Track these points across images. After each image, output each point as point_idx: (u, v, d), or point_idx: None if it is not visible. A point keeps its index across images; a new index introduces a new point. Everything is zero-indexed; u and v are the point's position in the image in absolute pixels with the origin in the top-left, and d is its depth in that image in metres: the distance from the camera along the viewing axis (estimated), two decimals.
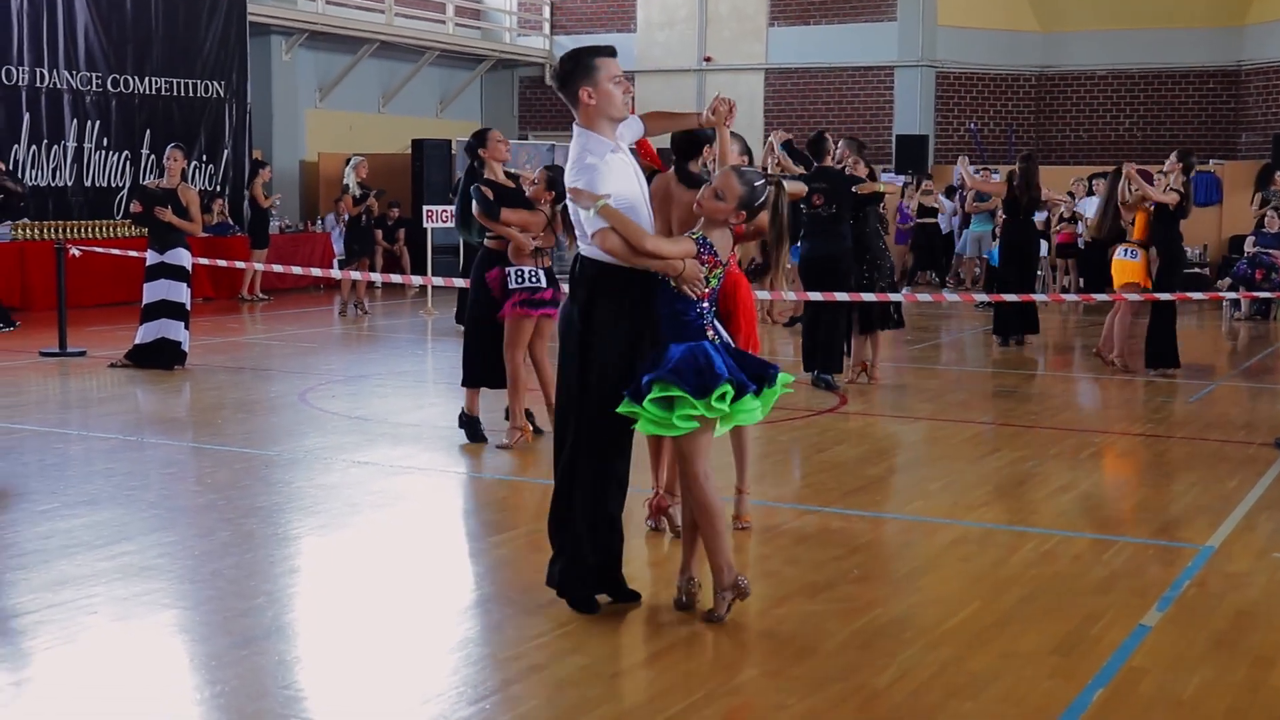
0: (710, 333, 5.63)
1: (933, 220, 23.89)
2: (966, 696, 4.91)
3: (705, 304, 5.61)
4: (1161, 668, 5.23)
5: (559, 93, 5.73)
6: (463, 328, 10.15)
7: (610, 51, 5.72)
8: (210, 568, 6.44)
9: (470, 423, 9.54)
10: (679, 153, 6.84)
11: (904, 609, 5.95)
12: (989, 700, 4.87)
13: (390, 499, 8.04)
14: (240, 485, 8.29)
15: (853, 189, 12.01)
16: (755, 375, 5.65)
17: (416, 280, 16.44)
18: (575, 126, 5.64)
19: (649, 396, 5.45)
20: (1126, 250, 13.46)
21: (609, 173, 5.50)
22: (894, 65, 27.30)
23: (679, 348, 5.55)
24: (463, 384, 9.62)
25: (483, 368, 9.47)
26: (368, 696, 4.87)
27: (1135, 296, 12.84)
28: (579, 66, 5.60)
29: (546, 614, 5.70)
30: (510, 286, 9.06)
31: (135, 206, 13.03)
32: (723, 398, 5.47)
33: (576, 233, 5.71)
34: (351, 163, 18.68)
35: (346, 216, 18.73)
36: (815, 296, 11.56)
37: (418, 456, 9.22)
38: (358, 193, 18.30)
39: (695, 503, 5.65)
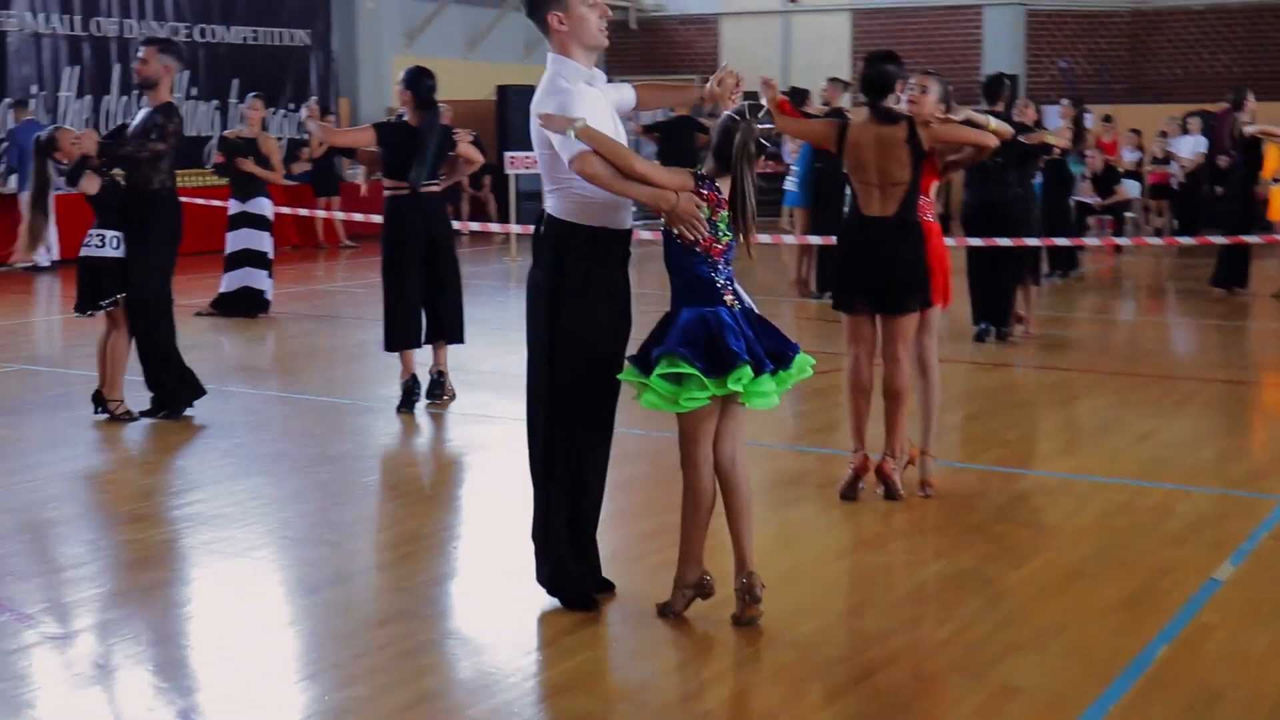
0: (729, 297, 4.96)
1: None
2: (1028, 651, 4.84)
3: (721, 262, 4.96)
4: (1231, 624, 5.11)
5: (529, 18, 5.17)
6: None
7: None
8: (279, 516, 6.50)
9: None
10: (872, 90, 6.59)
11: (972, 561, 5.86)
12: (1050, 655, 4.79)
13: (463, 448, 8.07)
14: (314, 434, 8.36)
15: (1020, 138, 11.29)
16: (774, 353, 4.97)
17: (495, 228, 16.39)
18: (549, 55, 5.08)
19: (657, 371, 4.87)
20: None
21: (583, 100, 4.91)
22: (983, 4, 26.78)
23: (689, 313, 4.93)
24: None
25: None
26: (434, 650, 4.89)
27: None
28: None
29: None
30: None
31: (217, 157, 13.14)
32: (738, 379, 4.84)
33: (545, 183, 5.07)
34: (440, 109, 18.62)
35: None
36: (976, 242, 11.23)
37: (493, 405, 9.21)
38: None
39: (688, 487, 5.04)
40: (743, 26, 28.24)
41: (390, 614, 5.19)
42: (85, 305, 8.32)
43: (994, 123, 7.00)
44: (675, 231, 4.95)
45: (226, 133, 14.49)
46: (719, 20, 28.92)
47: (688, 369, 4.82)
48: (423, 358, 9.05)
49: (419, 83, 8.75)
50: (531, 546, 5.24)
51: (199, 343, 11.90)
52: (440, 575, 5.77)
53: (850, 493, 6.71)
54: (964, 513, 6.58)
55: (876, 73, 6.63)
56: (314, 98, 13.37)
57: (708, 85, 5.27)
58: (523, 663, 4.78)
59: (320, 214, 18.09)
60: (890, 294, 6.57)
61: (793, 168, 14.91)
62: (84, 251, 8.31)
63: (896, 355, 6.67)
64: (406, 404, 8.81)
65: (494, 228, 16.18)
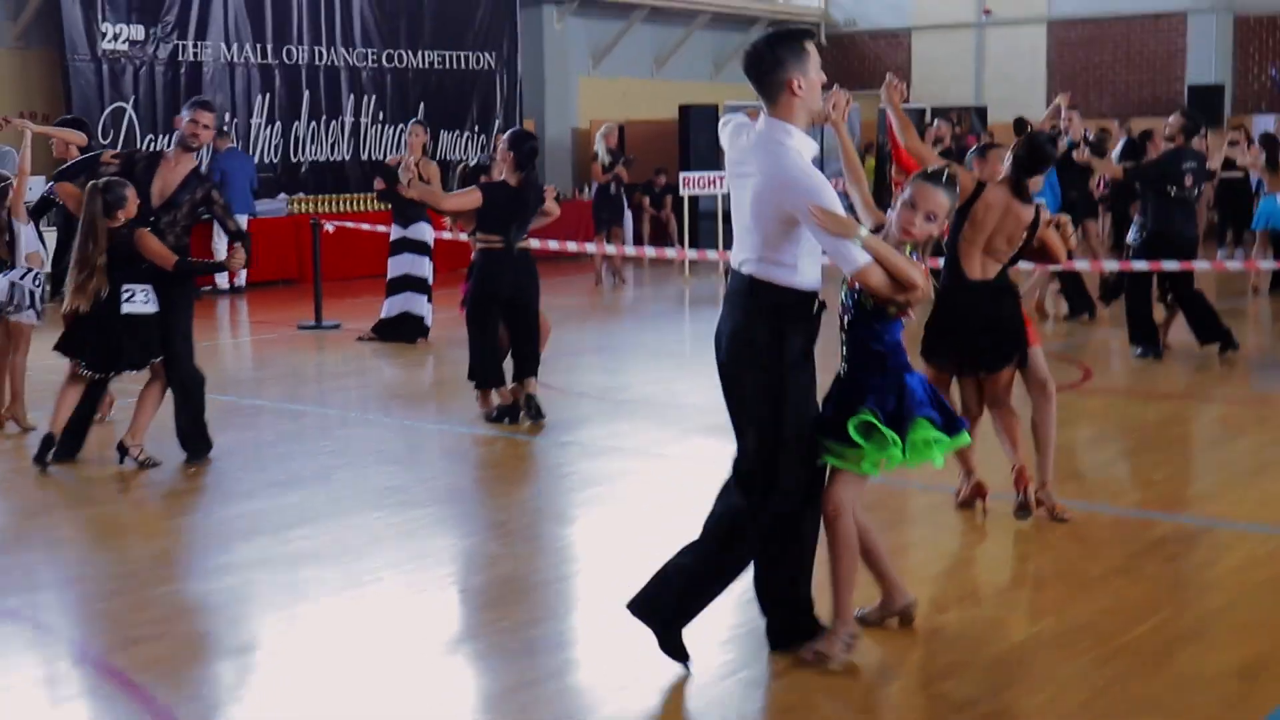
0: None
1: (1239, 175, 22.18)
2: None
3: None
4: None
5: (755, 81, 4.86)
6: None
7: (814, 37, 5.08)
8: (380, 559, 6.41)
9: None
10: (1023, 169, 6.64)
11: (1085, 617, 5.47)
12: None
13: (593, 480, 7.94)
14: (436, 465, 8.34)
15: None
16: (946, 422, 5.03)
17: (670, 252, 16.28)
18: (770, 119, 4.85)
19: (915, 434, 4.89)
20: None
21: (825, 186, 4.76)
22: (1188, 10, 25.73)
23: (915, 377, 5.01)
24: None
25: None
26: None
27: None
28: (791, 51, 4.82)
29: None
30: None
31: (379, 183, 13.27)
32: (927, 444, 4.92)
33: (756, 249, 4.84)
34: (602, 130, 18.63)
35: (596, 185, 18.64)
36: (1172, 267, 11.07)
37: (633, 436, 9.06)
38: (606, 160, 18.18)
39: (839, 536, 4.95)
40: (935, 40, 27.68)
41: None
42: (138, 361, 8.19)
43: (1073, 240, 7.20)
44: (893, 309, 4.88)
45: (389, 159, 14.67)
46: (910, 34, 28.39)
47: (933, 432, 4.90)
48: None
49: (520, 145, 9.17)
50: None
51: (351, 369, 12.07)
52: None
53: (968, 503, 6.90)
54: (1088, 562, 6.18)
55: (1039, 150, 6.70)
56: (415, 121, 13.38)
57: (821, 106, 5.03)
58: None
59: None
60: (992, 355, 6.72)
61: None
62: (125, 308, 7.92)
63: (1001, 400, 6.82)
64: (501, 419, 9.27)
65: (669, 252, 15.97)
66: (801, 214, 4.71)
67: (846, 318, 5.01)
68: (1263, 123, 24.01)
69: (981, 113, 25.90)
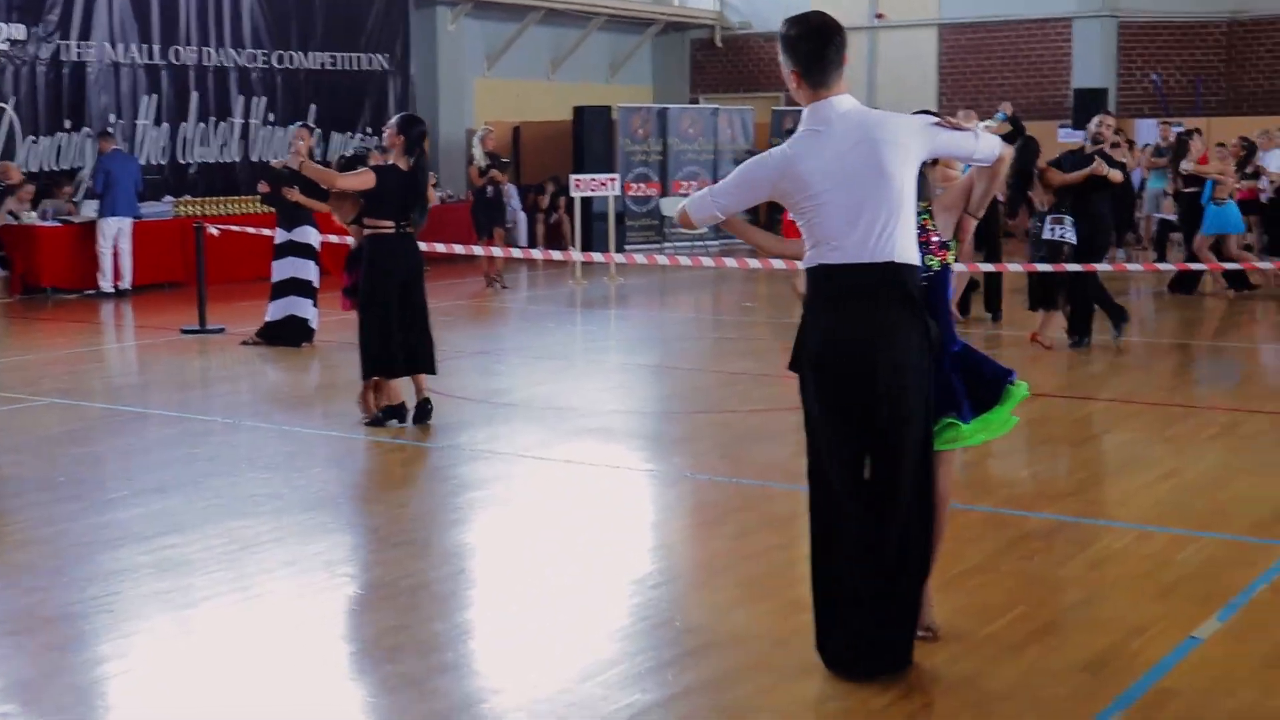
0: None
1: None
2: (971, 718, 4.59)
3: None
4: (1196, 690, 4.81)
5: (838, 66, 4.75)
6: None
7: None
8: (252, 566, 6.39)
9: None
10: None
11: (942, 615, 5.56)
12: None
13: (473, 484, 7.96)
14: (315, 470, 8.30)
15: None
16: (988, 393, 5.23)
17: (561, 254, 16.32)
18: (840, 100, 4.77)
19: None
20: None
21: None
22: (1073, 16, 26.22)
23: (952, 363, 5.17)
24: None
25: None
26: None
27: None
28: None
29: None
30: None
31: (262, 186, 13.18)
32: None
33: (920, 237, 4.92)
34: (479, 133, 18.57)
35: (474, 189, 18.40)
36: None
37: (515, 439, 9.09)
38: (483, 164, 18.04)
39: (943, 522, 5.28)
40: None
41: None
42: None
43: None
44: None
45: (273, 161, 14.56)
46: None
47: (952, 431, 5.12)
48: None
49: (410, 129, 9.24)
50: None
51: (231, 374, 11.97)
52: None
53: None
54: (949, 560, 6.25)
55: None
56: (300, 124, 13.29)
57: None
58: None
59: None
60: None
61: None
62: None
63: None
64: (385, 422, 9.27)
65: (555, 254, 16.04)
66: (945, 137, 4.82)
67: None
68: (1145, 126, 24.53)
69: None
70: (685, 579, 6.29)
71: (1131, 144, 22.39)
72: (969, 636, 5.30)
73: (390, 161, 9.27)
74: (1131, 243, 22.74)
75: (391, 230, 9.17)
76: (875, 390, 4.69)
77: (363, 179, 9.16)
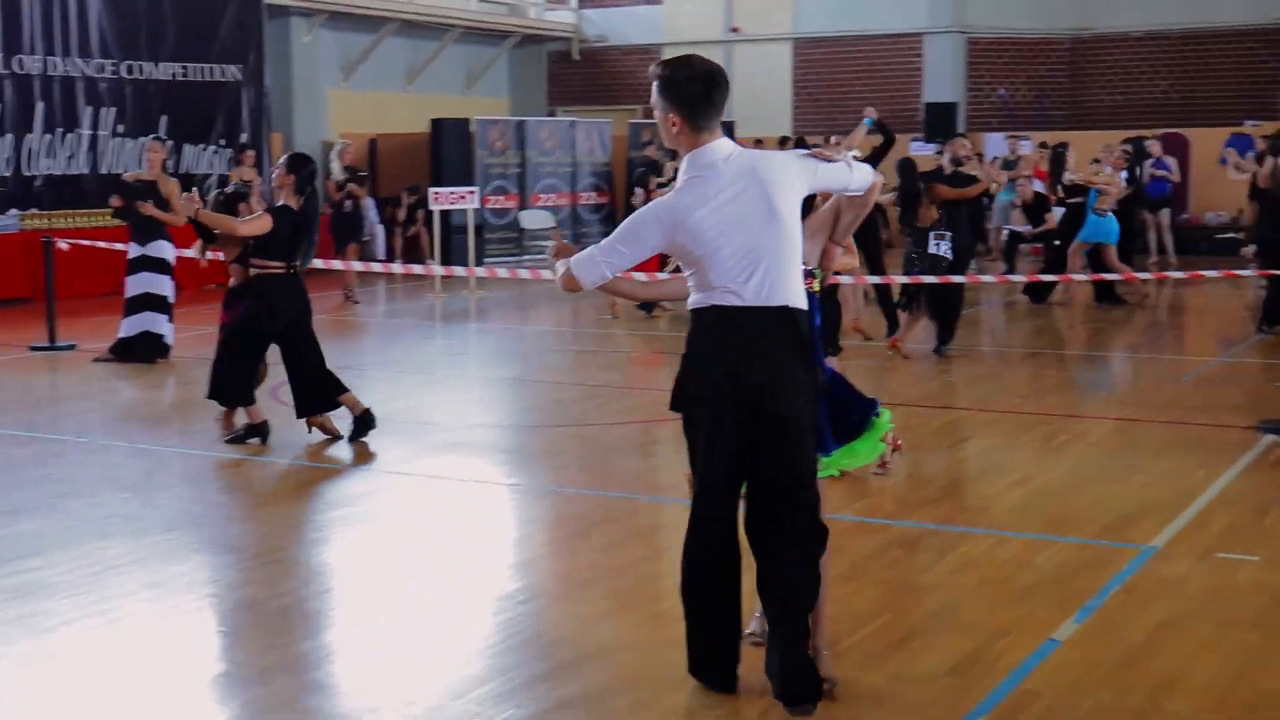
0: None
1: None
2: None
3: None
4: (1057, 690, 4.95)
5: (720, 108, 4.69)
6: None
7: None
8: (114, 588, 6.26)
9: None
10: None
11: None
12: None
13: (337, 501, 7.89)
14: (176, 489, 8.17)
15: None
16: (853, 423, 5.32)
17: (421, 268, 16.23)
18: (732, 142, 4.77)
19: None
20: None
21: None
22: (924, 32, 26.78)
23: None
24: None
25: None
26: None
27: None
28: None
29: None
30: None
31: (115, 200, 12.92)
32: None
33: (792, 275, 4.73)
34: (336, 147, 18.41)
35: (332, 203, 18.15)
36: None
37: (378, 455, 9.02)
38: (341, 177, 17.85)
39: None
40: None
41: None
42: None
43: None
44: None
45: (125, 175, 14.26)
46: (661, 50, 28.82)
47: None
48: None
49: (300, 169, 9.21)
50: None
51: (84, 392, 11.70)
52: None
53: None
54: None
55: None
56: (153, 137, 13.11)
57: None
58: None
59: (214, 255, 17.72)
60: None
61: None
62: None
63: None
64: (245, 440, 9.26)
65: (415, 268, 15.92)
66: (823, 171, 4.76)
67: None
68: (994, 140, 25.11)
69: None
70: (553, 593, 6.32)
71: (981, 157, 22.91)
72: (837, 644, 5.37)
73: (281, 202, 9.22)
74: (982, 254, 23.28)
75: (281, 270, 9.14)
76: (768, 428, 4.66)
77: (261, 223, 9.12)
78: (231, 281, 9.83)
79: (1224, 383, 11.63)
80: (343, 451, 9.12)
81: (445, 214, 20.05)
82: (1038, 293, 17.06)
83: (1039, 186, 19.97)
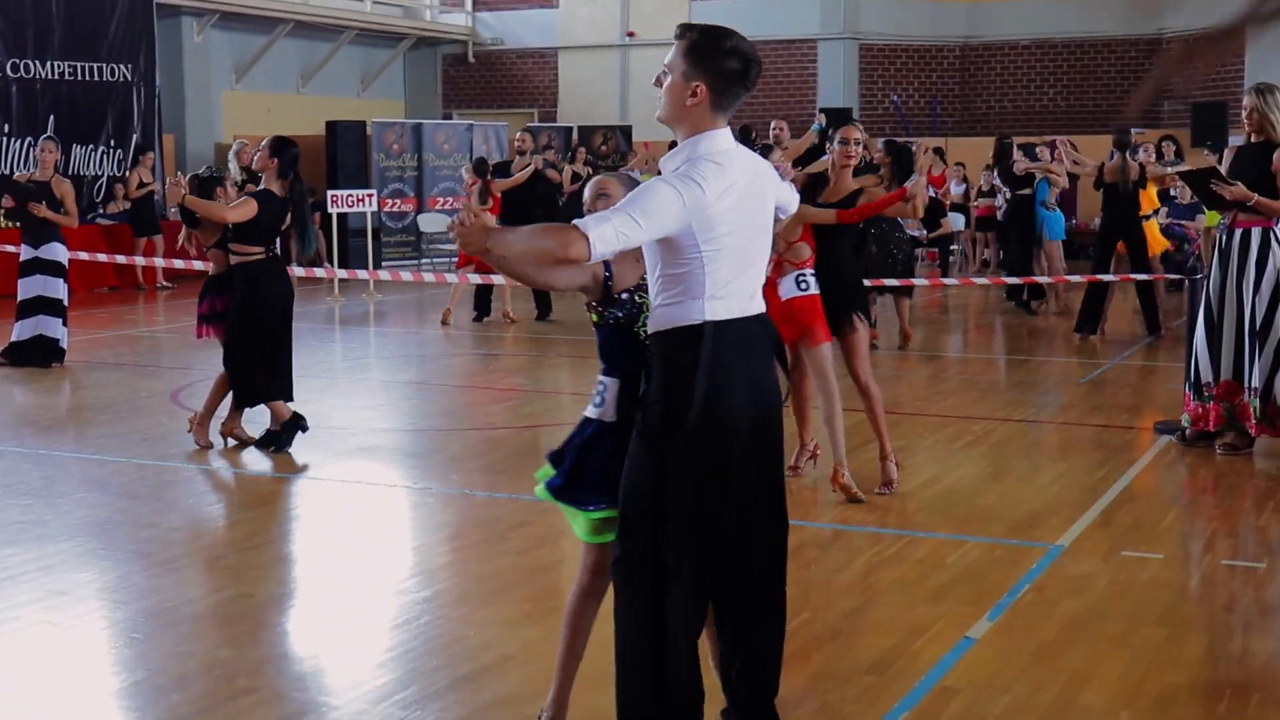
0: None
1: None
2: None
3: None
4: (975, 687, 5.04)
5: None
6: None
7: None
8: (16, 597, 6.15)
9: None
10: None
11: None
12: None
13: (244, 505, 7.80)
14: (76, 495, 8.02)
15: None
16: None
17: (319, 271, 16.09)
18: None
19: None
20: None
21: None
22: (817, 38, 27.07)
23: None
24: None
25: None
26: None
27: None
28: None
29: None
30: None
31: (7, 201, 12.66)
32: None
33: (756, 287, 4.20)
34: (234, 148, 18.16)
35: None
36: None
37: (283, 459, 8.93)
38: (240, 179, 17.62)
39: None
40: (580, 60, 28.24)
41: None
42: None
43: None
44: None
45: (17, 175, 13.98)
46: (557, 54, 28.86)
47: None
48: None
49: (283, 153, 9.02)
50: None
51: None
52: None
53: None
54: None
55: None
56: (46, 137, 12.88)
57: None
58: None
59: (139, 260, 17.61)
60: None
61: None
62: None
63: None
64: (286, 440, 9.09)
65: (319, 272, 15.79)
66: (782, 190, 4.47)
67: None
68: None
69: (627, 131, 26.53)
70: (474, 596, 6.30)
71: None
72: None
73: (263, 187, 9.07)
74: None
75: (262, 256, 8.99)
76: (761, 466, 4.15)
77: (247, 209, 8.94)
78: (211, 269, 9.58)
79: (1118, 385, 11.89)
80: (251, 456, 9.02)
81: (342, 217, 19.88)
82: (1025, 301, 16.98)
83: (933, 192, 20.22)
